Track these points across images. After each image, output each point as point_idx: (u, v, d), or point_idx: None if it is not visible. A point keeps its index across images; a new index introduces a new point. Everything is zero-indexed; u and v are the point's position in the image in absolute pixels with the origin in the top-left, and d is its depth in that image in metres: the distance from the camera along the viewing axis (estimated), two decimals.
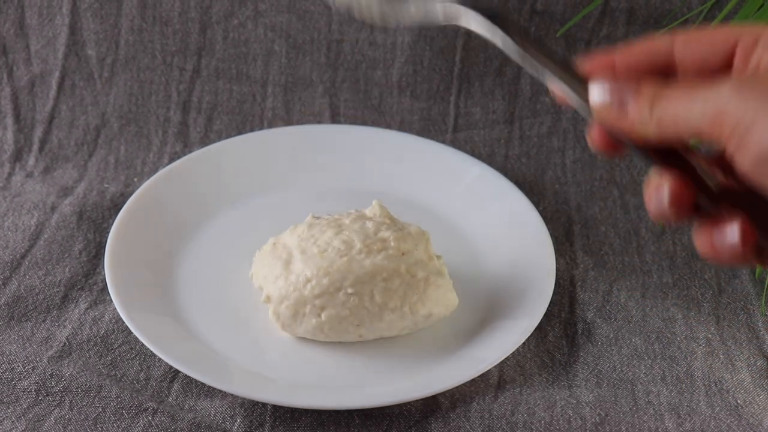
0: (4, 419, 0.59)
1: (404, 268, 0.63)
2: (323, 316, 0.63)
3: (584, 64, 0.50)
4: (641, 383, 0.64)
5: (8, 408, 0.60)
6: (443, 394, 0.62)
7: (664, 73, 0.50)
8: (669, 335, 0.67)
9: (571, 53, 0.83)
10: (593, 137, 0.50)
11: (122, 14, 0.81)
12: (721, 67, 0.49)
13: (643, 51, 0.50)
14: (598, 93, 0.48)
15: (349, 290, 0.62)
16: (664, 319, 0.68)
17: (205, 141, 0.81)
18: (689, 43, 0.49)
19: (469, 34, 0.82)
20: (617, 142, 0.49)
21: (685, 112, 0.45)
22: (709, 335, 0.67)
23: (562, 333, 0.68)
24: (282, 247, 0.65)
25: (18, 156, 0.79)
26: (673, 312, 0.69)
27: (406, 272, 0.63)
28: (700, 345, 0.67)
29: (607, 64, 0.50)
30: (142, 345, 0.64)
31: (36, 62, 0.81)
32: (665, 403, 0.63)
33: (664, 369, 0.65)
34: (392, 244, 0.64)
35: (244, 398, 0.61)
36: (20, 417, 0.60)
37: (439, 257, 0.66)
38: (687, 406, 0.63)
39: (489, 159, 0.81)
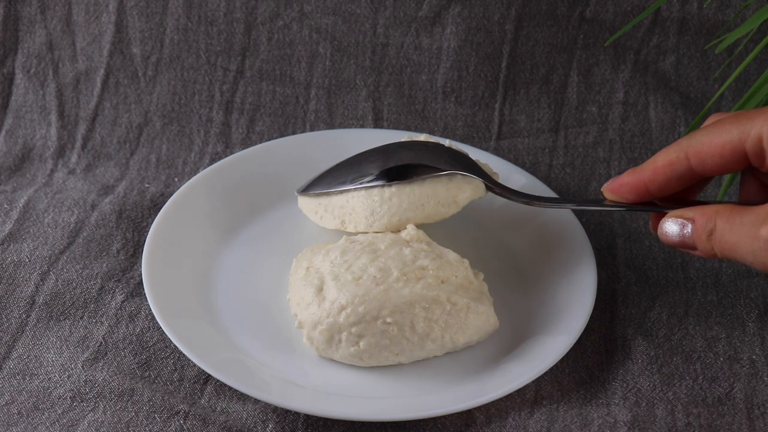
0: (38, 424, 0.60)
1: (445, 297, 0.63)
2: (362, 344, 0.62)
3: (615, 183, 0.61)
4: (681, 404, 0.63)
5: (43, 414, 0.61)
6: (479, 408, 0.62)
7: (690, 177, 0.59)
8: (711, 355, 0.66)
9: (619, 63, 0.82)
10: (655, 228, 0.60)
11: (168, 13, 0.81)
12: (741, 168, 0.57)
13: (665, 169, 0.59)
14: (664, 233, 0.58)
15: (388, 320, 0.62)
16: (706, 339, 0.67)
17: (246, 142, 0.81)
18: (703, 160, 0.57)
19: (516, 41, 0.82)
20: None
21: (738, 249, 0.54)
22: (754, 356, 0.66)
23: (601, 349, 0.66)
24: (314, 273, 0.65)
25: (61, 153, 0.80)
26: (716, 331, 0.68)
27: (447, 301, 0.63)
28: (744, 366, 0.65)
29: (639, 185, 0.60)
30: (177, 345, 0.64)
31: (81, 59, 0.82)
32: (705, 426, 0.62)
33: (705, 390, 0.64)
34: (431, 272, 0.63)
35: (277, 405, 0.61)
36: (54, 422, 0.60)
37: (477, 274, 0.66)
38: (728, 429, 0.61)
39: (533, 168, 0.80)
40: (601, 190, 0.63)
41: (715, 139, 0.57)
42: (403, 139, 0.72)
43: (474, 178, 0.67)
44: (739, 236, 0.54)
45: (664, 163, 0.59)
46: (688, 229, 0.56)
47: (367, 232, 0.67)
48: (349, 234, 0.68)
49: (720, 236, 0.55)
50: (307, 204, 0.71)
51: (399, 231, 0.67)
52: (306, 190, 0.71)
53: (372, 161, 0.69)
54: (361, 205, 0.68)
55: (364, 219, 0.67)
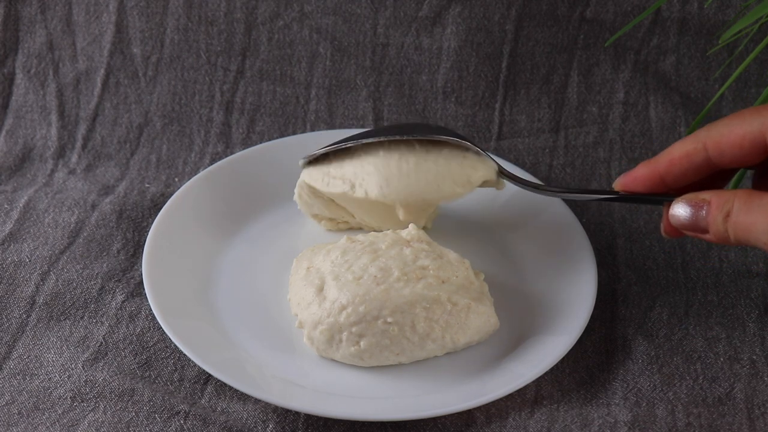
0: (39, 424, 0.60)
1: (445, 297, 0.63)
2: (362, 344, 0.62)
3: (628, 177, 0.60)
4: (682, 404, 0.63)
5: (43, 414, 0.61)
6: (479, 408, 0.62)
7: (707, 169, 0.58)
8: (712, 355, 0.66)
9: (619, 63, 0.82)
10: (666, 231, 0.60)
11: (168, 13, 0.81)
12: (759, 160, 0.56)
13: (681, 160, 0.58)
14: (675, 215, 0.57)
15: (389, 319, 0.62)
16: (707, 339, 0.67)
17: (247, 142, 0.81)
18: (722, 151, 0.56)
19: (516, 41, 0.82)
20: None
21: (753, 230, 0.53)
22: (754, 356, 0.66)
23: (601, 349, 0.66)
24: (315, 272, 0.65)
25: (61, 153, 0.80)
26: (716, 331, 0.68)
27: (447, 301, 0.63)
28: (744, 366, 0.65)
29: (654, 177, 0.59)
30: (177, 345, 0.64)
31: (82, 59, 0.82)
32: (706, 426, 0.62)
33: (705, 390, 0.64)
34: (431, 272, 0.63)
35: (278, 405, 0.61)
36: (54, 423, 0.60)
37: (478, 274, 0.66)
38: (728, 429, 0.61)
39: (533, 168, 0.80)
40: (613, 186, 0.62)
41: (735, 129, 0.56)
42: None
43: (487, 158, 0.67)
44: (756, 217, 0.53)
45: (680, 154, 0.58)
46: (704, 210, 0.55)
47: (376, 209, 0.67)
48: (356, 196, 0.67)
49: (736, 217, 0.54)
50: (313, 174, 0.69)
51: (408, 207, 0.67)
52: (312, 160, 0.69)
53: (384, 129, 0.69)
54: (377, 172, 0.66)
55: (377, 187, 0.66)
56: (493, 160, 0.68)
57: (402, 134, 0.67)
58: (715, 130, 0.57)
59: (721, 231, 0.55)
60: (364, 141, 0.67)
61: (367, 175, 0.67)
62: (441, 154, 0.67)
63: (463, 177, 0.67)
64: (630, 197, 0.62)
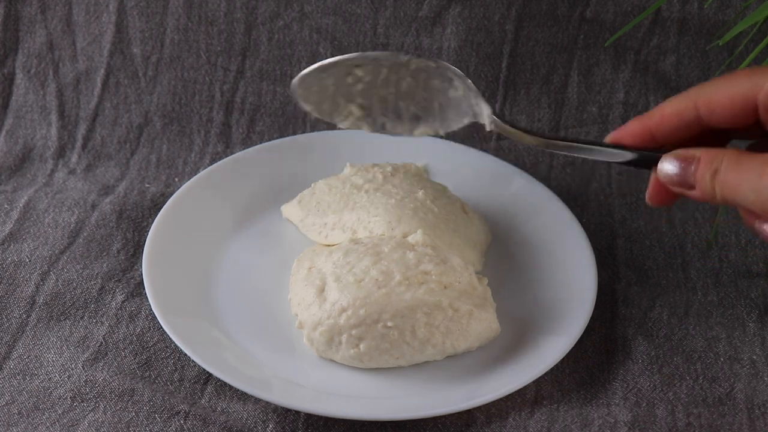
0: (39, 424, 0.60)
1: (447, 303, 0.62)
2: (362, 347, 0.62)
3: (620, 132, 0.60)
4: (682, 404, 0.63)
5: (43, 414, 0.61)
6: (479, 408, 0.62)
7: (698, 127, 0.58)
8: (712, 355, 0.66)
9: (620, 63, 0.82)
10: (651, 197, 0.60)
11: (168, 13, 0.81)
12: (749, 123, 0.56)
13: (672, 117, 0.58)
14: (664, 170, 0.57)
15: (389, 324, 0.61)
16: (707, 339, 0.67)
17: (247, 142, 0.81)
18: (713, 110, 0.56)
19: (516, 41, 0.82)
20: (669, 198, 0.59)
21: (740, 189, 0.53)
22: (754, 356, 0.66)
23: (601, 349, 0.66)
24: (316, 273, 0.65)
25: (61, 153, 0.80)
26: (717, 331, 0.68)
27: (449, 307, 0.62)
28: (744, 366, 0.65)
29: (645, 132, 0.59)
30: (177, 345, 0.64)
31: (82, 59, 0.82)
32: (706, 426, 0.62)
33: (705, 390, 0.64)
34: (434, 277, 0.63)
35: (278, 404, 0.61)
36: (54, 423, 0.60)
37: (482, 279, 0.65)
38: (728, 429, 0.61)
39: (533, 168, 0.80)
40: (605, 140, 0.61)
41: (726, 90, 0.56)
42: None
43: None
44: (744, 175, 0.53)
45: (672, 111, 0.58)
46: (693, 166, 0.55)
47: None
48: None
49: (724, 175, 0.54)
50: (307, 224, 0.71)
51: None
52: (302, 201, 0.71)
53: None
54: (387, 213, 0.67)
55: (385, 223, 0.67)
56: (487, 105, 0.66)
57: (399, 56, 0.64)
58: (706, 89, 0.57)
59: (708, 188, 0.54)
60: (358, 59, 0.65)
61: (373, 218, 0.68)
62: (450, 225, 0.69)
63: (474, 250, 0.69)
64: (621, 151, 0.59)
